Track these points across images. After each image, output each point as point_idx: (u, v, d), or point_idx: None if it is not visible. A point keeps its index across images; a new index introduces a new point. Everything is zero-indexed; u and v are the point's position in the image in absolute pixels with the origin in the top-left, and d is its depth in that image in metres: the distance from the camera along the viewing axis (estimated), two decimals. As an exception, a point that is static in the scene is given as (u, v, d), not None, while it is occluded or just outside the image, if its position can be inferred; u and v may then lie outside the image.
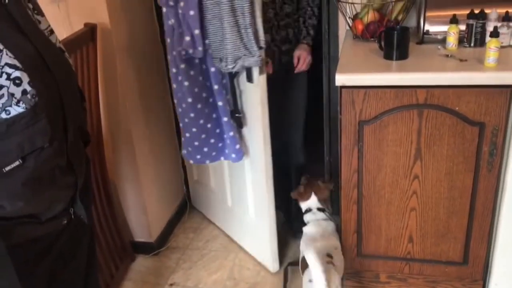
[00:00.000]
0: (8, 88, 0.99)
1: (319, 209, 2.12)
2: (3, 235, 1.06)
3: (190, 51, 1.80)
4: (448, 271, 1.95)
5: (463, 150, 1.72)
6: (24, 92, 1.02)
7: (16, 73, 1.01)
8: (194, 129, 2.00)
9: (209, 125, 2.00)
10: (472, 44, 1.79)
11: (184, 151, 2.11)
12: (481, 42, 1.77)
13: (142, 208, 2.38)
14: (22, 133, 1.00)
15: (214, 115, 2.00)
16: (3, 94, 0.99)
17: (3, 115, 0.99)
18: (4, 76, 0.99)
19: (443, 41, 1.83)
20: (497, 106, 1.62)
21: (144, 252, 2.46)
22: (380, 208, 1.89)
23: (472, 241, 1.87)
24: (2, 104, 0.99)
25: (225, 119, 1.98)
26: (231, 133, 2.01)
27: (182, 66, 1.86)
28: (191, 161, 2.12)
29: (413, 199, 1.84)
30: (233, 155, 2.05)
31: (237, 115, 2.00)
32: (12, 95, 1.00)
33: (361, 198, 1.89)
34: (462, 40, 1.80)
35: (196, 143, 2.03)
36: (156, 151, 2.47)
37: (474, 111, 1.65)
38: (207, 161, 2.11)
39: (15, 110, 1.01)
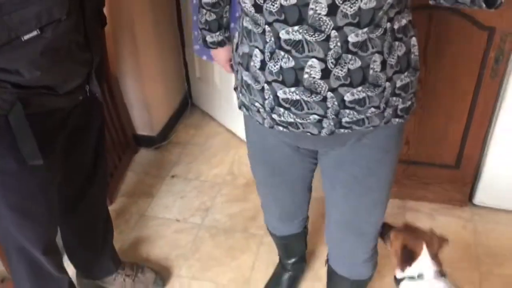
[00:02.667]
0: None
1: (439, 273, 1.35)
2: (22, 101, 1.11)
3: None
4: (440, 174, 2.03)
5: (469, 55, 1.71)
6: None
7: None
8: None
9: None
10: None
11: (196, 47, 2.06)
12: None
13: (144, 102, 2.40)
14: (40, 3, 1.00)
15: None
16: None
17: None
18: None
19: None
20: (510, 11, 1.59)
21: (147, 146, 2.53)
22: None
23: (467, 147, 1.92)
24: None
25: (237, 14, 1.93)
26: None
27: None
28: (204, 57, 2.09)
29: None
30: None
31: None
32: None
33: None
34: None
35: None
36: (159, 45, 2.44)
37: (485, 14, 1.61)
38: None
39: None
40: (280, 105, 1.03)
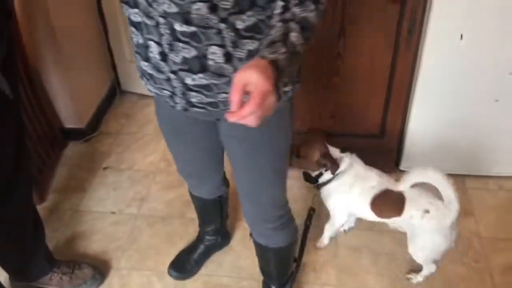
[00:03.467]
0: None
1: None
2: None
3: None
4: (366, 144, 2.10)
5: (384, 27, 1.77)
6: None
7: None
8: None
9: None
10: None
11: None
12: None
13: (69, 93, 2.32)
14: None
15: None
16: None
17: None
18: None
19: None
20: (417, -17, 1.65)
21: (76, 138, 2.45)
22: (305, 86, 1.95)
23: (389, 116, 2.01)
24: None
25: None
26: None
27: None
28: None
29: (335, 76, 1.91)
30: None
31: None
32: None
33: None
34: None
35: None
36: (79, 33, 2.35)
37: (396, -13, 1.67)
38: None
39: None
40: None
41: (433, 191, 1.57)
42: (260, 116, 0.81)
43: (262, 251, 1.56)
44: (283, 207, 1.43)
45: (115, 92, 2.74)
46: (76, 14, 2.29)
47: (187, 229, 1.98)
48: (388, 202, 1.64)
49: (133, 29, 1.07)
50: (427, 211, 1.56)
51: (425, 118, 2.00)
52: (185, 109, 1.13)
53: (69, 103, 2.36)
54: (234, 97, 0.80)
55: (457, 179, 2.13)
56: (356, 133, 2.08)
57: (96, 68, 2.56)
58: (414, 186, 1.60)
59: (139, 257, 1.89)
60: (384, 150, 2.12)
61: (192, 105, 1.11)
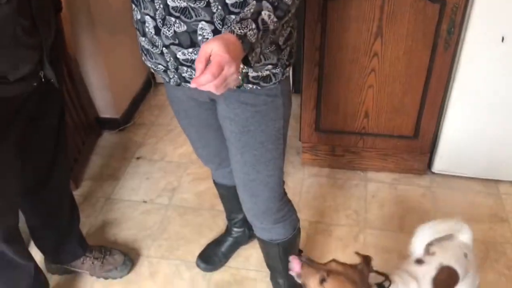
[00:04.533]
0: None
1: None
2: None
3: None
4: (399, 145, 2.09)
5: (423, 28, 1.75)
6: None
7: None
8: None
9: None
10: None
11: None
12: None
13: (106, 84, 2.37)
14: None
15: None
16: None
17: None
18: None
19: None
20: (459, -17, 1.63)
21: (110, 128, 2.51)
22: (339, 85, 1.95)
23: (424, 117, 1.98)
24: None
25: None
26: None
27: None
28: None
29: (371, 76, 1.90)
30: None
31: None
32: None
33: (321, 76, 1.93)
34: None
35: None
36: (118, 25, 2.39)
37: (437, -13, 1.65)
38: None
39: None
40: None
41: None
42: (218, 84, 0.88)
43: (265, 246, 1.56)
44: (281, 198, 1.42)
45: (150, 84, 2.79)
46: (116, 5, 2.34)
47: (216, 221, 2.00)
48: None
49: (133, 5, 1.13)
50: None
51: (461, 120, 1.97)
52: (178, 84, 1.17)
53: (106, 94, 2.41)
54: (197, 65, 0.88)
55: (490, 184, 2.11)
56: (389, 134, 2.06)
57: (132, 60, 2.60)
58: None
59: (169, 246, 1.92)
60: (417, 151, 2.10)
61: (185, 80, 1.15)
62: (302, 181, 2.18)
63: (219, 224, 1.98)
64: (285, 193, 1.46)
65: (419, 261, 1.38)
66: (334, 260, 1.20)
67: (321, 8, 1.76)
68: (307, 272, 1.17)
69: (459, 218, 1.44)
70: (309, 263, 1.18)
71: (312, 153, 2.21)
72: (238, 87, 1.15)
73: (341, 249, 1.88)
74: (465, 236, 1.44)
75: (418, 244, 1.40)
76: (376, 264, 1.78)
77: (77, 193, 2.16)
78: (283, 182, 1.43)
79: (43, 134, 1.45)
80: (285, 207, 1.46)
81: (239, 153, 1.30)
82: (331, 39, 1.83)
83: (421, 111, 1.97)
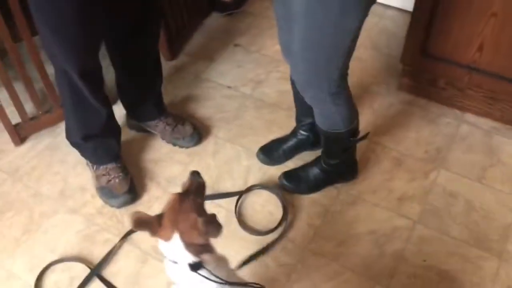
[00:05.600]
0: None
1: (195, 267, 1.04)
2: None
3: None
4: (511, 90, 1.83)
5: None
6: None
7: None
8: None
9: None
10: None
11: None
12: None
13: (223, -35, 2.36)
14: None
15: None
16: None
17: None
18: None
19: None
20: None
21: (219, 11, 2.53)
22: (458, 7, 1.71)
23: (549, 64, 1.69)
24: None
25: None
26: None
27: None
28: None
29: (498, 2, 1.63)
30: None
31: None
32: None
33: (441, -9, 1.71)
34: None
35: None
36: None
37: None
38: None
39: None
40: None
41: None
42: None
43: (324, 138, 1.62)
44: (336, 84, 1.39)
45: (269, -25, 2.71)
46: None
47: (289, 122, 1.97)
48: None
49: None
50: None
51: None
52: None
53: (222, -26, 2.41)
54: None
55: None
56: (502, 75, 1.80)
57: None
58: None
59: (237, 132, 1.97)
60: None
61: None
62: (390, 105, 2.04)
63: (291, 125, 1.95)
64: (344, 88, 1.46)
65: None
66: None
67: None
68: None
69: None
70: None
71: (412, 79, 2.04)
72: None
73: (406, 180, 1.77)
74: None
75: None
76: (437, 207, 1.67)
77: (172, 64, 2.27)
78: (343, 75, 1.41)
79: None
80: (339, 97, 1.44)
81: (298, 32, 1.29)
82: (461, -51, 1.59)
83: (549, 57, 1.68)
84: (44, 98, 1.97)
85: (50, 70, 1.86)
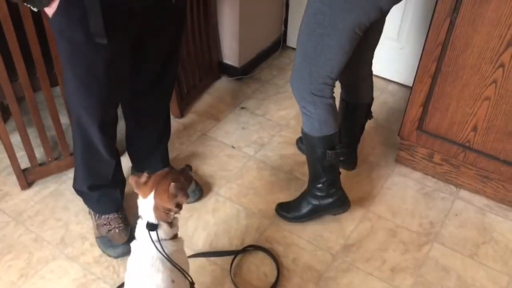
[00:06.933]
0: None
1: (150, 226, 1.23)
2: None
3: None
4: (503, 170, 1.90)
5: None
6: None
7: None
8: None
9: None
10: None
11: None
12: None
13: (236, 34, 2.50)
14: None
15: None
16: None
17: None
18: None
19: None
20: None
21: (229, 74, 2.66)
22: (454, 89, 1.83)
23: (540, 148, 1.78)
24: None
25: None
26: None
27: None
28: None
29: (491, 88, 1.74)
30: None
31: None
32: None
33: (438, 73, 1.82)
34: None
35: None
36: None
37: None
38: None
39: None
40: None
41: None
42: None
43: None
44: (313, 86, 1.56)
45: (278, 45, 2.87)
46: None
47: (289, 185, 2.04)
48: None
49: None
50: None
51: None
52: None
53: (234, 43, 2.55)
54: None
55: None
56: (495, 156, 1.89)
57: (268, 19, 2.70)
58: None
59: (239, 191, 2.02)
60: (522, 184, 1.90)
61: None
62: (388, 176, 2.11)
63: (291, 188, 2.02)
64: (328, 96, 1.59)
65: None
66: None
67: (454, 2, 1.65)
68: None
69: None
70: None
71: (409, 153, 2.12)
72: None
73: (399, 252, 1.80)
74: None
75: None
76: (430, 280, 1.69)
77: (180, 121, 2.36)
78: (326, 82, 1.56)
79: (159, 39, 1.53)
80: (321, 100, 1.58)
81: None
82: (457, 38, 1.71)
83: (540, 141, 1.77)
84: (55, 145, 2.04)
85: (63, 119, 1.96)
